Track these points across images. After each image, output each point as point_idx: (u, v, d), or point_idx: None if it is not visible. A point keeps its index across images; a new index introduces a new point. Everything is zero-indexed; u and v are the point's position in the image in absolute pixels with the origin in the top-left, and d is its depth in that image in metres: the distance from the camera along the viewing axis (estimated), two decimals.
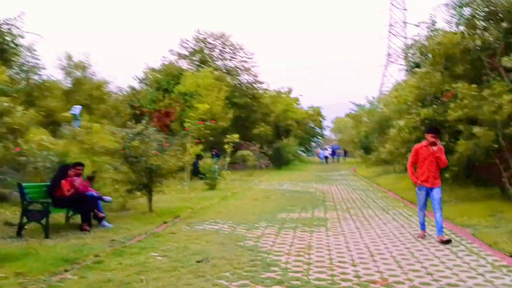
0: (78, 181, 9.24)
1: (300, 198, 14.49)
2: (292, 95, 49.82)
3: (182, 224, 9.38)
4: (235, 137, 21.31)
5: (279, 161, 35.85)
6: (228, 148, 21.28)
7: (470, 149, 10.54)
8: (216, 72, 33.30)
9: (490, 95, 9.88)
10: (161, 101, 25.35)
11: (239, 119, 35.18)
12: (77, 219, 9.22)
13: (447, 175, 11.59)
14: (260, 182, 21.35)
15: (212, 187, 17.32)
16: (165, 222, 9.63)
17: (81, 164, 9.74)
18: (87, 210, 9.07)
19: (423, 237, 7.60)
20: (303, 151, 63.28)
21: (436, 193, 7.45)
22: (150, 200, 11.26)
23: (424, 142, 7.56)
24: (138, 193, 11.35)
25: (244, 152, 26.14)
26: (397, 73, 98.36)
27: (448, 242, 7.11)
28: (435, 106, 11.08)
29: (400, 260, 6.16)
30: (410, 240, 7.53)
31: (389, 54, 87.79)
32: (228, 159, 21.16)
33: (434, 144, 7.36)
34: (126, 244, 7.36)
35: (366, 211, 11.20)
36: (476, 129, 9.55)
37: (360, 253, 6.57)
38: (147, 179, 10.96)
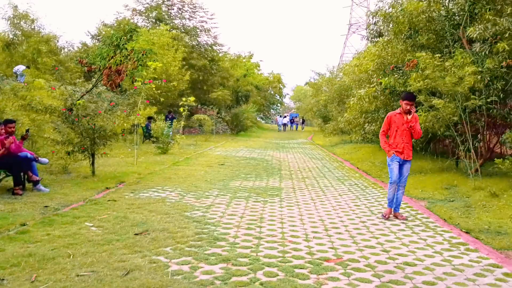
0: (10, 140, 8.27)
1: (256, 165, 14.03)
2: (253, 60, 48.93)
3: (126, 190, 8.67)
4: (191, 100, 20.45)
5: (237, 127, 35.27)
6: (183, 111, 20.43)
7: (429, 121, 10.32)
8: (173, 31, 31.78)
9: (452, 66, 9.60)
10: (112, 57, 23.84)
11: (196, 82, 34.04)
12: (10, 181, 8.31)
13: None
14: (215, 148, 20.74)
15: (164, 151, 16.54)
16: (107, 188, 8.90)
17: (13, 121, 8.73)
18: (19, 172, 8.20)
19: (388, 216, 6.87)
20: (262, 118, 62.99)
21: (406, 168, 6.89)
22: (92, 163, 10.43)
23: (398, 110, 6.89)
24: (80, 156, 10.47)
25: (201, 116, 25.30)
26: (359, 43, 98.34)
27: (404, 220, 6.79)
28: (396, 76, 10.74)
29: (356, 235, 5.80)
30: (366, 213, 7.22)
31: (351, 24, 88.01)
32: (182, 122, 20.33)
33: (409, 112, 6.69)
34: (59, 212, 6.63)
35: (322, 181, 10.90)
36: (437, 101, 9.26)
37: (314, 227, 6.17)
38: (89, 141, 10.09)
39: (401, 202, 7.21)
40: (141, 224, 5.97)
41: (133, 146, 18.51)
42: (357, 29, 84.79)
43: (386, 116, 6.97)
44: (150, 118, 22.46)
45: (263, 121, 64.33)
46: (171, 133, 21.10)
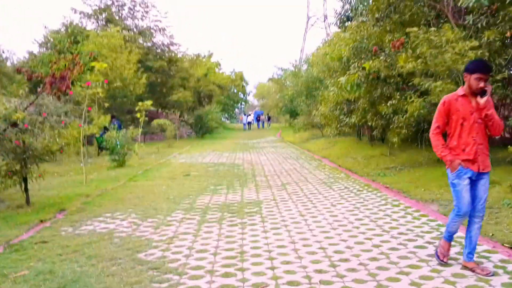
0: None
1: (226, 173, 12.30)
2: (213, 59, 47.01)
3: (65, 223, 6.76)
4: (148, 104, 18.45)
5: (201, 129, 33.34)
6: (140, 116, 18.42)
7: (422, 108, 8.92)
8: (125, 32, 29.55)
9: (446, 42, 8.19)
10: (55, 63, 21.46)
11: (155, 85, 31.91)
12: None
13: (394, 139, 10.01)
14: (180, 155, 18.85)
15: (120, 164, 14.55)
16: (42, 221, 6.97)
17: None
18: None
19: (446, 254, 4.37)
20: (227, 118, 61.22)
21: (484, 187, 4.13)
22: (25, 189, 8.41)
23: (460, 90, 4.20)
24: (10, 181, 8.44)
25: (161, 121, 23.25)
26: (318, 36, 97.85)
27: (488, 275, 3.99)
28: (381, 58, 9.27)
29: (377, 271, 4.20)
30: (376, 232, 5.64)
31: (309, 17, 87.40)
32: (140, 129, 18.33)
33: (483, 92, 4.03)
34: None
35: (306, 187, 9.30)
36: (436, 83, 7.82)
37: (316, 262, 4.53)
38: (17, 162, 8.08)
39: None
40: (71, 283, 4.14)
41: (86, 161, 16.48)
42: (315, 21, 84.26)
43: (441, 102, 4.23)
44: (105, 128, 20.36)
45: (228, 121, 62.53)
46: (117, 142, 19.04)
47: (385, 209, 6.82)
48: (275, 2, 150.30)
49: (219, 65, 49.55)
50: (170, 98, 30.49)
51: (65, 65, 18.36)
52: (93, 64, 12.05)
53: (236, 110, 65.60)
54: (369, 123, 12.19)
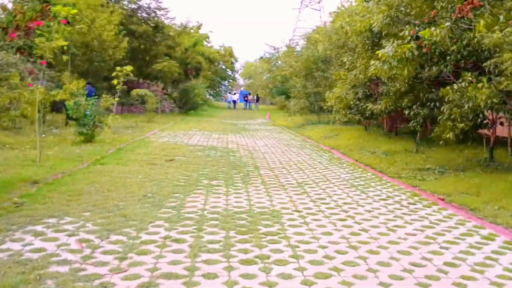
0: None
1: (220, 161, 9.85)
2: (202, 31, 43.88)
3: None
4: (128, 69, 15.69)
5: (186, 105, 30.58)
6: (117, 83, 15.68)
7: (494, 96, 6.62)
8: None
9: None
10: (21, 12, 18.36)
11: (137, 51, 28.92)
12: None
13: (448, 136, 7.72)
14: (161, 132, 16.26)
15: (88, 138, 11.93)
16: None
17: None
18: None
19: None
20: (212, 95, 58.40)
21: None
22: None
23: None
24: None
25: (141, 92, 20.44)
26: (312, 17, 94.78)
27: None
28: (447, 24, 6.86)
29: None
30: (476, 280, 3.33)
31: None
32: (116, 98, 15.64)
33: None
34: None
35: (332, 191, 6.94)
36: None
37: None
38: None
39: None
40: None
41: (50, 132, 13.81)
42: (310, 2, 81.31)
43: None
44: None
45: (213, 99, 59.67)
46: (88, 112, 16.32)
47: (475, 244, 4.51)
48: None
49: (208, 37, 46.45)
50: (153, 67, 27.52)
51: (31, 17, 15.39)
52: (55, 9, 9.28)
53: (223, 88, 62.57)
54: (406, 112, 9.85)
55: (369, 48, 11.89)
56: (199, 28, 43.28)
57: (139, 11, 30.41)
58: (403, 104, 10.02)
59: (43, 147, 10.39)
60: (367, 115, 13.95)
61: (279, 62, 50.67)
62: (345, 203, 6.09)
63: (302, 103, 24.65)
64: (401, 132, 14.31)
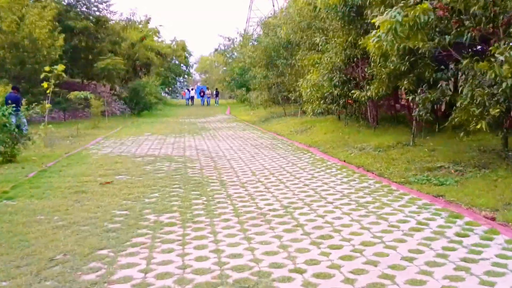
0: None
1: (174, 177, 7.61)
2: (151, 25, 40.96)
3: None
4: (59, 69, 13.05)
5: (137, 105, 27.75)
6: (47, 86, 13.02)
7: None
8: None
9: None
10: None
11: (78, 50, 25.91)
12: None
13: (479, 126, 5.86)
14: (105, 140, 13.74)
15: (8, 158, 9.37)
16: None
17: None
18: None
19: None
20: (168, 93, 55.40)
21: None
22: None
23: None
24: None
25: (80, 94, 17.58)
26: (265, 6, 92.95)
27: None
28: None
29: None
30: None
31: None
32: (47, 104, 12.99)
33: None
34: None
35: (336, 219, 4.89)
36: None
37: None
38: None
39: None
40: None
41: None
42: None
43: None
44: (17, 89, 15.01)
45: (169, 97, 56.68)
46: (25, 125, 13.60)
47: None
48: None
49: (158, 32, 43.53)
50: (95, 65, 24.58)
51: None
52: None
53: (178, 84, 59.54)
54: (410, 97, 7.91)
55: (346, 24, 9.95)
56: (148, 23, 40.35)
57: (78, 5, 27.29)
58: (401, 88, 8.15)
59: None
60: (343, 103, 12.10)
61: (235, 53, 48.55)
62: (364, 244, 4.03)
63: (264, 95, 22.59)
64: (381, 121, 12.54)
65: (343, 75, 11.26)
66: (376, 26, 5.84)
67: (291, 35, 16.25)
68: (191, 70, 64.50)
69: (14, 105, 10.75)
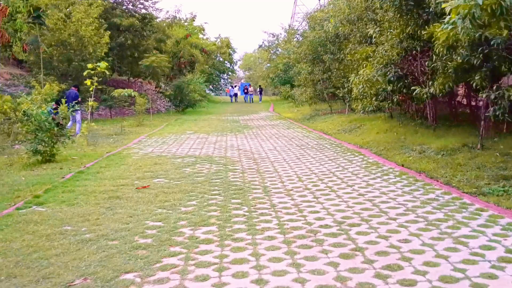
0: None
1: (214, 182, 7.04)
2: (196, 23, 41.01)
3: None
4: (102, 67, 12.90)
5: (181, 102, 27.69)
6: (90, 84, 12.90)
7: None
8: None
9: None
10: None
11: (124, 47, 26.05)
12: None
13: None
14: (148, 139, 13.46)
15: (47, 158, 9.18)
16: None
17: None
18: None
19: None
20: (212, 90, 55.50)
21: None
22: None
23: None
24: None
25: (124, 92, 17.42)
26: (310, 2, 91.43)
27: None
28: None
29: None
30: None
31: None
32: (90, 102, 12.87)
33: None
34: None
35: (413, 250, 4.12)
36: None
37: None
38: None
39: None
40: None
41: (14, 147, 11.15)
42: None
43: None
44: (58, 102, 14.99)
45: (213, 94, 56.76)
46: (69, 124, 13.59)
47: None
48: None
49: (203, 30, 43.58)
50: (140, 63, 24.60)
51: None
52: None
53: (222, 81, 59.54)
54: (484, 95, 6.91)
55: (404, 14, 9.01)
56: (193, 20, 40.47)
57: (124, 3, 27.46)
58: (472, 83, 7.16)
59: None
60: (397, 100, 11.13)
61: (279, 50, 47.70)
62: (444, 279, 3.23)
63: (309, 91, 21.73)
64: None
65: (399, 70, 10.30)
66: (448, 12, 4.97)
67: (339, 28, 15.35)
68: (235, 67, 64.36)
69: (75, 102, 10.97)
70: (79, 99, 15.26)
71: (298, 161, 8.70)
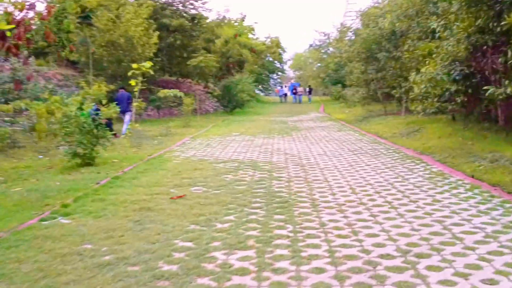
0: None
1: (256, 192, 6.34)
2: (246, 23, 40.57)
3: None
4: (146, 66, 12.58)
5: (230, 103, 27.30)
6: (135, 84, 12.63)
7: None
8: None
9: None
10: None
11: (173, 47, 26.04)
12: None
13: None
14: (192, 141, 13.03)
15: (86, 161, 8.89)
16: None
17: None
18: None
19: None
20: (261, 90, 55.03)
21: None
22: None
23: None
24: None
25: (170, 92, 17.05)
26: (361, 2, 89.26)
27: None
28: None
29: None
30: None
31: None
32: (137, 102, 12.60)
33: None
34: None
35: None
36: None
37: None
38: None
39: None
40: None
41: (59, 148, 11.04)
42: None
43: None
44: (100, 103, 14.99)
45: (262, 94, 56.27)
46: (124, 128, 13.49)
47: None
48: None
49: (253, 30, 43.04)
50: (188, 63, 24.40)
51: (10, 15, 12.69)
52: None
53: (271, 81, 58.92)
54: None
55: (473, 5, 7.91)
56: (243, 20, 40.10)
57: (174, 3, 27.43)
58: None
59: (15, 178, 7.54)
60: (461, 102, 9.94)
61: (330, 49, 46.35)
62: None
63: (362, 91, 20.58)
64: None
65: (465, 67, 9.16)
66: None
67: (396, 24, 14.21)
68: (285, 67, 63.57)
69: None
70: (131, 100, 15.29)
71: (351, 169, 7.84)
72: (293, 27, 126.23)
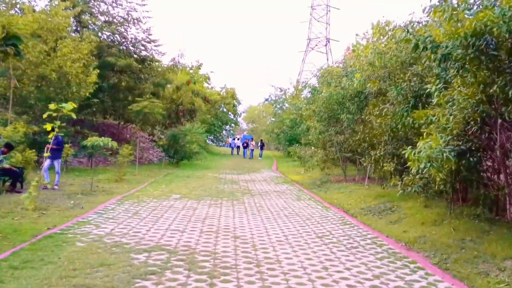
0: None
1: None
2: (202, 71, 39.03)
3: None
4: (67, 109, 9.98)
5: (176, 153, 24.73)
6: (50, 129, 9.95)
7: None
8: (79, 9, 21.27)
9: None
10: None
11: (117, 89, 23.59)
12: None
13: None
14: (118, 205, 10.36)
15: None
16: None
17: None
18: None
19: None
20: (212, 140, 52.85)
21: None
22: None
23: None
24: None
25: (96, 141, 14.26)
26: (318, 59, 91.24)
27: None
28: None
29: None
30: None
31: (310, 39, 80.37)
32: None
33: None
34: None
35: None
36: None
37: None
38: None
39: None
40: None
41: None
42: (316, 45, 77.76)
43: None
44: (8, 146, 12.17)
45: (213, 144, 54.07)
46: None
47: None
48: (272, 20, 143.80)
49: (209, 79, 41.44)
50: (130, 108, 21.84)
51: None
52: None
53: (224, 132, 57.05)
54: None
55: (481, 64, 6.23)
56: (199, 68, 38.56)
57: (124, 42, 25.21)
58: None
59: None
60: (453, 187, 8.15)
61: (286, 104, 45.44)
62: None
63: (321, 153, 18.81)
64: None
65: (474, 141, 7.42)
66: None
67: (368, 84, 12.69)
68: (239, 119, 62.14)
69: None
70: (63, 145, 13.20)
71: (326, 276, 5.55)
72: (250, 80, 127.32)
